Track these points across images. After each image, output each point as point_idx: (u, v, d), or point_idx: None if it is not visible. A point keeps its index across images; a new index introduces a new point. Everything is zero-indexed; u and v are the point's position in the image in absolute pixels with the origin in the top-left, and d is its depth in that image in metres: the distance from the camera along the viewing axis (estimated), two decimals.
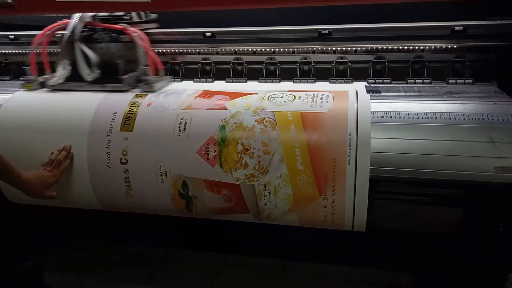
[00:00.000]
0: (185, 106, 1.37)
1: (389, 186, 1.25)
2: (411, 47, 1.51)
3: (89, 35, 1.58)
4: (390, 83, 1.51)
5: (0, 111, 1.50)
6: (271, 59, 1.65)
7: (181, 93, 1.45)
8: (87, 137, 1.39)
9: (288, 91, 1.41)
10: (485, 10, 1.47)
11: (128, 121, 1.37)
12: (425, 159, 1.19)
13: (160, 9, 1.37)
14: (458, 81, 1.46)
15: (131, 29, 1.56)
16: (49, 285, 1.82)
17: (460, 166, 1.18)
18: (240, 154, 1.26)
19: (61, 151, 1.38)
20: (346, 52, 1.57)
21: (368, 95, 1.33)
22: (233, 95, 1.40)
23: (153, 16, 1.70)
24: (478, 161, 1.17)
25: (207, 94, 1.43)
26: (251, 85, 1.63)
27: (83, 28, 1.59)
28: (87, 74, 1.53)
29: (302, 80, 1.59)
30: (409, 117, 1.24)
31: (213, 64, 1.70)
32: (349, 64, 1.57)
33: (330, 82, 1.57)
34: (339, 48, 1.58)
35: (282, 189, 1.26)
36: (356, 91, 1.35)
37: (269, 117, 1.28)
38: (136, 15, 1.60)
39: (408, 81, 1.50)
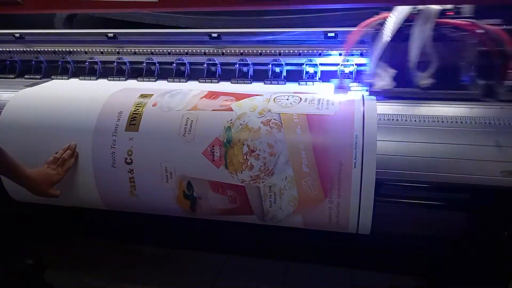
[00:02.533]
0: (190, 106, 1.37)
1: (395, 189, 1.24)
2: None
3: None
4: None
5: (5, 109, 1.50)
6: (276, 61, 1.64)
7: (187, 94, 1.45)
8: (93, 136, 1.39)
9: (294, 93, 1.41)
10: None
11: (134, 121, 1.37)
12: (431, 162, 1.19)
13: (166, 8, 1.36)
14: None
15: (483, 25, 1.27)
16: (50, 283, 1.82)
17: (466, 169, 1.18)
18: (246, 155, 1.26)
19: (66, 149, 1.38)
20: (352, 54, 1.57)
21: (374, 97, 1.33)
22: (238, 96, 1.40)
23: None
24: (484, 165, 1.17)
25: (213, 95, 1.43)
26: (257, 87, 1.63)
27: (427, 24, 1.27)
28: (422, 78, 1.29)
29: (307, 82, 1.59)
30: (415, 120, 1.24)
31: (218, 65, 1.70)
32: (354, 66, 1.57)
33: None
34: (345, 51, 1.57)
35: (287, 191, 1.26)
36: (362, 94, 1.35)
37: (275, 119, 1.28)
38: (466, 9, 1.28)
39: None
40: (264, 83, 1.64)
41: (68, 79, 1.82)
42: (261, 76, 1.66)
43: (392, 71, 1.31)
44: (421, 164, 1.19)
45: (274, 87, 1.61)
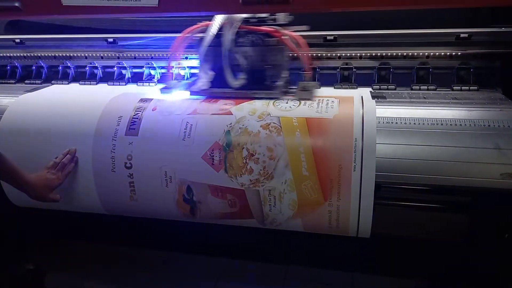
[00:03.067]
0: (190, 110, 1.37)
1: (395, 192, 1.24)
2: (416, 54, 1.52)
3: (236, 38, 1.42)
4: (395, 89, 1.51)
5: (5, 114, 1.51)
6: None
7: (186, 98, 1.45)
8: (92, 141, 1.39)
9: None
10: (490, 18, 1.47)
11: (133, 125, 1.37)
12: (430, 165, 1.19)
13: (166, 12, 1.36)
14: (463, 87, 1.46)
15: (285, 31, 1.41)
16: None
17: (466, 172, 1.17)
18: (245, 159, 1.26)
19: (66, 154, 1.38)
20: (351, 58, 1.57)
21: (374, 101, 1.33)
22: (238, 100, 1.40)
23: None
24: (484, 167, 1.17)
25: (213, 98, 1.43)
26: None
27: (231, 30, 1.41)
28: (234, 79, 1.42)
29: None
30: (414, 123, 1.24)
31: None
32: (354, 70, 1.58)
33: (335, 88, 1.57)
34: (344, 54, 1.58)
35: (287, 195, 1.26)
36: (362, 97, 1.36)
37: (274, 123, 1.28)
38: (281, 17, 1.42)
39: (413, 87, 1.50)
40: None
41: (68, 83, 1.83)
42: None
43: (211, 73, 1.46)
44: (421, 167, 1.19)
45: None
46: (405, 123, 1.25)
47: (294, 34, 1.41)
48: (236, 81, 1.41)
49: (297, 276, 1.88)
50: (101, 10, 1.37)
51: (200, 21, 1.46)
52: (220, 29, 1.41)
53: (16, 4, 1.32)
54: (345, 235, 1.31)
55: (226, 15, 1.39)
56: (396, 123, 1.25)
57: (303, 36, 1.57)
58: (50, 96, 1.60)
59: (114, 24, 1.85)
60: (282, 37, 1.40)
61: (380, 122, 1.26)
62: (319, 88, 1.50)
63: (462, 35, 1.45)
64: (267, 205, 1.29)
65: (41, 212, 1.57)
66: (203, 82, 1.45)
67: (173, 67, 1.63)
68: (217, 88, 1.44)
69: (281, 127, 1.27)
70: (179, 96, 1.48)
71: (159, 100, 1.45)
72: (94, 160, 1.39)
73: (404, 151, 1.21)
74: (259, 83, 1.43)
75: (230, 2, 1.19)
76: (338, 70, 1.59)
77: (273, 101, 1.37)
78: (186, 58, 1.72)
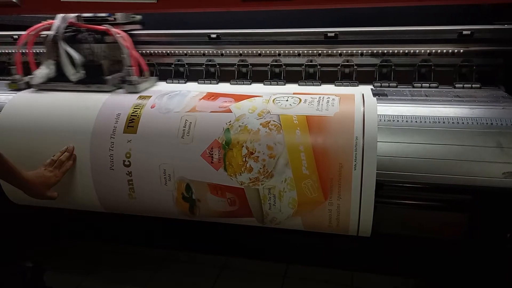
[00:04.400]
0: (189, 108, 1.36)
1: (396, 191, 1.23)
2: (417, 51, 1.50)
3: (73, 36, 1.59)
4: (396, 86, 1.49)
5: (3, 112, 1.50)
6: (276, 61, 1.63)
7: (186, 95, 1.43)
8: (90, 138, 1.38)
9: (294, 93, 1.40)
10: (493, 15, 1.45)
11: (132, 123, 1.36)
12: (432, 163, 1.18)
13: (166, 9, 1.35)
14: (465, 85, 1.44)
15: (114, 30, 1.57)
16: (49, 286, 1.81)
17: (468, 171, 1.16)
18: (245, 157, 1.25)
19: (63, 152, 1.37)
20: (352, 55, 1.55)
21: (375, 98, 1.32)
22: (238, 98, 1.39)
23: (138, 17, 1.75)
24: (486, 166, 1.15)
25: (212, 96, 1.42)
26: (256, 87, 1.62)
27: (67, 28, 1.60)
28: (72, 74, 1.55)
29: (307, 83, 1.58)
30: (416, 121, 1.22)
31: (217, 66, 1.69)
32: (355, 67, 1.56)
33: (335, 85, 1.56)
34: (345, 51, 1.56)
35: (287, 193, 1.25)
36: (363, 95, 1.34)
37: (274, 121, 1.27)
38: (120, 17, 1.63)
39: (415, 85, 1.48)
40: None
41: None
42: None
43: (52, 68, 1.59)
44: (422, 165, 1.18)
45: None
46: (406, 121, 1.23)
47: (124, 34, 1.57)
48: (74, 75, 1.55)
49: (296, 274, 1.88)
50: (100, 7, 1.35)
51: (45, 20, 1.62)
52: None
53: (14, 0, 1.31)
54: (346, 234, 1.30)
55: (64, 14, 1.57)
56: (398, 121, 1.24)
57: (307, 33, 1.57)
58: (46, 94, 1.58)
59: None
60: (116, 35, 1.56)
61: (381, 120, 1.24)
62: (154, 83, 1.64)
63: (464, 32, 1.43)
64: (267, 204, 1.28)
65: (40, 210, 1.56)
66: (40, 75, 1.57)
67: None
68: (58, 82, 1.58)
69: (281, 125, 1.26)
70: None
71: (158, 97, 1.44)
72: (92, 158, 1.38)
73: (405, 150, 1.20)
74: (95, 77, 1.56)
75: None
76: (339, 67, 1.57)
77: (273, 98, 1.36)
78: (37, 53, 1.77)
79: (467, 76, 1.48)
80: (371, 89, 1.45)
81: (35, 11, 1.48)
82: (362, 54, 1.55)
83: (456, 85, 1.45)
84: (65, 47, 1.56)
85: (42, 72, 1.58)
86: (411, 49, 1.50)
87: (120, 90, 1.55)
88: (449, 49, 1.47)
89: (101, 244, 2.11)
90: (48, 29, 1.59)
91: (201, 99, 1.41)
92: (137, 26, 1.74)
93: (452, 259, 1.40)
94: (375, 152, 1.17)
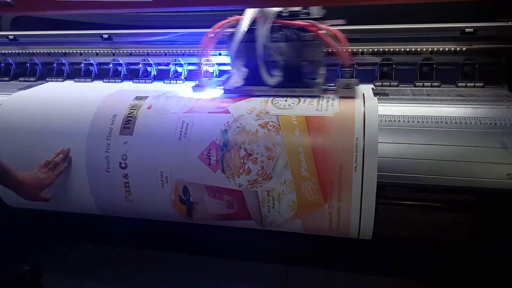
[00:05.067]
0: (186, 109, 1.33)
1: (397, 193, 1.20)
2: (419, 49, 1.47)
3: (271, 33, 1.34)
4: (397, 85, 1.47)
5: None
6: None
7: (183, 96, 1.41)
8: (86, 140, 1.35)
9: None
10: (496, 12, 1.43)
11: (128, 124, 1.33)
12: (434, 165, 1.15)
13: (162, 7, 1.32)
14: (468, 84, 1.42)
15: (323, 26, 1.33)
16: None
17: (471, 172, 1.14)
18: (243, 159, 1.22)
19: (58, 153, 1.35)
20: (353, 53, 1.53)
21: (376, 98, 1.29)
22: (235, 98, 1.36)
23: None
24: (490, 167, 1.13)
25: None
26: None
27: (265, 25, 1.33)
28: (269, 76, 1.36)
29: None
30: (418, 121, 1.20)
31: (215, 66, 1.66)
32: (355, 66, 1.53)
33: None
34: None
35: (286, 196, 1.22)
36: (363, 94, 1.31)
37: (273, 121, 1.24)
38: (315, 10, 1.35)
39: (416, 84, 1.46)
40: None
41: (63, 81, 1.79)
42: None
43: (244, 70, 1.39)
44: (424, 166, 1.16)
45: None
46: (408, 121, 1.21)
47: (332, 29, 1.33)
48: (272, 78, 1.35)
49: (298, 276, 1.85)
50: (95, 5, 1.34)
51: (231, 16, 1.39)
52: (253, 23, 1.33)
53: (8, 0, 1.29)
54: (346, 236, 1.28)
55: (259, 8, 1.32)
56: (399, 121, 1.21)
57: None
58: (44, 94, 1.57)
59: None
60: (319, 31, 1.32)
61: (382, 120, 1.22)
62: (358, 85, 1.38)
63: (467, 30, 1.41)
64: (266, 206, 1.25)
65: (38, 212, 1.54)
66: (236, 79, 1.38)
67: (204, 64, 1.57)
68: (252, 86, 1.38)
69: (279, 125, 1.23)
70: (212, 94, 1.42)
71: (154, 97, 1.41)
72: (88, 160, 1.36)
73: (407, 151, 1.17)
74: (295, 80, 1.36)
75: None
76: (339, 66, 1.54)
77: (271, 98, 1.33)
78: (220, 54, 1.65)
79: (469, 74, 1.45)
80: (372, 89, 1.42)
81: (29, 11, 1.45)
82: (362, 53, 1.52)
83: (459, 84, 1.43)
84: (261, 46, 1.33)
85: (238, 75, 1.39)
86: (413, 47, 1.48)
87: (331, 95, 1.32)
88: (452, 47, 1.45)
89: (101, 246, 2.09)
90: (234, 26, 1.36)
91: (198, 99, 1.38)
92: (340, 21, 1.39)
93: (455, 262, 1.37)
94: (376, 153, 1.15)
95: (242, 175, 1.23)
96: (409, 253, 1.41)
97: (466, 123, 1.17)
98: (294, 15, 1.35)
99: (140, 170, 1.31)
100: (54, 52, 1.81)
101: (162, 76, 1.71)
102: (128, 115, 1.35)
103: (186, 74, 1.71)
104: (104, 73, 1.77)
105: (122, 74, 1.74)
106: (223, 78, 1.48)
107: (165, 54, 1.70)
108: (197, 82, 1.48)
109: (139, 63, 1.72)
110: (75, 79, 1.78)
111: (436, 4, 1.41)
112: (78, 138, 1.36)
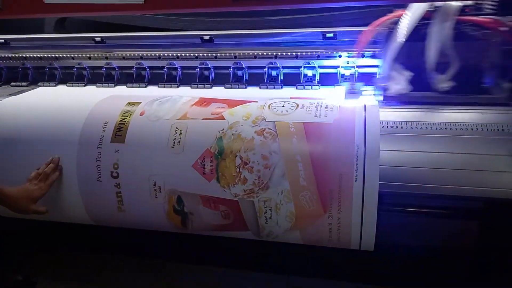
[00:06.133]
0: (180, 115, 1.28)
1: (400, 203, 1.15)
2: None
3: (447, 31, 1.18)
4: None
5: None
6: (272, 64, 1.55)
7: (177, 101, 1.36)
8: (77, 149, 1.31)
9: (291, 98, 1.32)
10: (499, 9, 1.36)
11: (120, 131, 1.29)
12: (439, 173, 1.10)
13: (153, 10, 1.28)
14: None
15: (507, 22, 1.17)
16: None
17: (478, 181, 1.08)
18: (239, 168, 1.17)
19: (49, 163, 1.30)
20: (363, 56, 1.47)
21: (377, 103, 1.24)
22: (231, 103, 1.31)
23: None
24: (498, 176, 1.08)
25: (204, 102, 1.34)
26: (252, 91, 1.54)
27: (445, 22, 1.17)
28: (441, 81, 1.20)
29: (305, 86, 1.49)
30: (421, 128, 1.15)
31: (211, 69, 1.61)
32: (355, 69, 1.47)
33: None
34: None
35: (283, 206, 1.17)
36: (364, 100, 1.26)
37: (269, 128, 1.19)
38: (488, 5, 1.19)
39: None
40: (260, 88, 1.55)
41: (55, 85, 1.74)
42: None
43: (408, 74, 1.22)
44: (429, 176, 1.10)
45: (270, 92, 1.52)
46: (411, 127, 1.15)
47: None
48: (444, 83, 1.19)
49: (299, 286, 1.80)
50: (85, 8, 1.29)
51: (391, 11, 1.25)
52: (423, 20, 1.18)
53: None
54: (347, 247, 1.22)
55: (429, 3, 1.16)
56: (402, 127, 1.16)
57: (304, 33, 1.48)
58: (34, 100, 1.52)
59: None
60: (501, 28, 1.14)
61: (384, 127, 1.16)
62: None
63: None
64: (263, 217, 1.20)
65: (30, 221, 1.49)
66: (401, 84, 1.22)
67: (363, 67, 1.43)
68: (417, 91, 1.22)
69: (276, 133, 1.18)
70: (366, 101, 1.25)
71: (147, 103, 1.36)
72: (79, 169, 1.31)
73: (411, 159, 1.12)
74: (471, 85, 1.20)
75: None
76: (339, 69, 1.49)
77: (269, 103, 1.28)
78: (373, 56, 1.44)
79: None
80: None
81: (17, 14, 1.41)
82: (362, 55, 1.46)
83: None
84: (438, 46, 1.17)
85: (403, 80, 1.23)
86: None
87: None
88: None
89: (96, 254, 2.04)
90: (396, 22, 1.22)
91: (192, 105, 1.33)
92: None
93: (461, 273, 1.31)
94: (377, 162, 1.09)
95: (238, 185, 1.18)
96: (412, 265, 1.36)
97: (472, 129, 1.11)
98: (472, 10, 1.18)
99: (132, 179, 1.27)
100: (46, 56, 1.76)
101: (156, 80, 1.65)
102: (120, 122, 1.31)
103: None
104: (97, 77, 1.71)
105: (115, 78, 1.69)
106: (380, 83, 1.32)
107: (159, 58, 1.64)
108: (349, 87, 1.37)
109: (133, 67, 1.67)
110: (67, 84, 1.73)
111: None
112: (68, 146, 1.32)
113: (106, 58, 1.70)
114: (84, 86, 1.71)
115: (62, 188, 1.35)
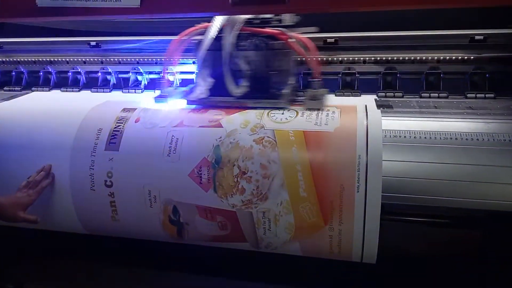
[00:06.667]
0: (176, 122, 1.25)
1: (403, 216, 1.11)
2: (425, 58, 1.39)
3: (237, 42, 1.29)
4: (402, 96, 1.38)
5: None
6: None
7: (173, 108, 1.32)
8: (70, 156, 1.27)
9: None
10: (508, 18, 1.34)
11: (114, 139, 1.25)
12: (444, 185, 1.06)
13: (148, 13, 1.24)
14: (478, 95, 1.33)
15: (292, 34, 1.29)
16: None
17: (484, 193, 1.05)
18: (237, 178, 1.14)
19: (40, 171, 1.26)
20: (354, 62, 1.45)
21: (379, 110, 1.20)
22: (229, 110, 1.27)
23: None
24: (504, 188, 1.04)
25: (201, 108, 1.31)
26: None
27: (232, 32, 1.28)
28: (235, 87, 1.28)
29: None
30: (425, 137, 1.11)
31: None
32: (357, 75, 1.45)
33: (336, 95, 1.45)
34: (346, 58, 1.45)
35: (283, 217, 1.13)
36: (366, 106, 1.22)
37: (268, 137, 1.16)
38: (287, 18, 1.30)
39: (422, 94, 1.37)
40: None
41: (49, 90, 1.70)
42: None
43: (210, 80, 1.33)
44: (433, 187, 1.07)
45: None
46: (414, 137, 1.11)
47: (301, 37, 1.29)
48: (238, 89, 1.28)
49: None
50: (79, 12, 1.26)
51: (199, 23, 1.34)
52: (221, 31, 1.29)
53: None
54: (348, 260, 1.19)
55: (227, 16, 1.27)
56: (405, 137, 1.12)
57: None
58: (26, 106, 1.48)
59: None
60: (289, 39, 1.27)
61: (387, 136, 1.13)
62: (327, 94, 1.32)
63: (476, 37, 1.32)
64: (261, 228, 1.16)
65: (21, 229, 1.45)
66: (201, 90, 1.32)
67: (167, 73, 1.47)
68: (217, 96, 1.31)
69: (276, 141, 1.15)
70: (174, 105, 1.36)
71: (142, 110, 1.33)
72: (72, 177, 1.28)
73: (414, 169, 1.08)
74: (263, 91, 1.29)
75: (217, 2, 1.06)
76: (340, 75, 1.46)
77: (267, 111, 1.25)
78: (183, 63, 1.58)
79: (479, 84, 1.37)
80: (375, 100, 1.33)
81: (10, 18, 1.38)
82: (364, 61, 1.45)
83: (468, 95, 1.34)
84: (228, 55, 1.28)
85: (201, 86, 1.32)
86: (418, 55, 1.39)
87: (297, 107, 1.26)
88: (460, 55, 1.36)
89: (86, 262, 1.99)
90: (202, 33, 1.32)
91: (189, 112, 1.30)
92: (313, 29, 1.38)
93: (464, 286, 1.28)
94: (380, 172, 1.06)
95: (236, 195, 1.15)
96: (416, 278, 1.32)
97: (478, 139, 1.08)
98: (265, 22, 1.29)
99: (127, 188, 1.23)
100: (40, 60, 1.72)
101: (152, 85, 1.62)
102: (115, 129, 1.27)
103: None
104: (92, 82, 1.68)
105: (111, 83, 1.65)
106: (187, 88, 1.41)
107: (156, 63, 1.61)
108: (159, 92, 1.41)
109: (129, 72, 1.63)
110: (62, 89, 1.69)
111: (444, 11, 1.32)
112: (61, 153, 1.28)
113: (102, 62, 1.66)
114: (78, 91, 1.67)
115: (54, 197, 1.31)
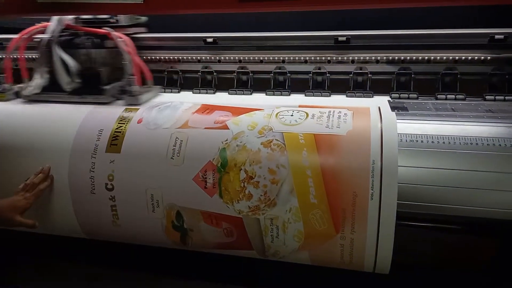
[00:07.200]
0: (180, 124, 1.20)
1: (419, 225, 1.05)
2: (441, 58, 1.32)
3: (69, 40, 1.41)
4: (417, 98, 1.32)
5: None
6: (280, 69, 1.46)
7: (177, 108, 1.27)
8: (69, 158, 1.23)
9: (300, 106, 1.23)
10: None
11: (115, 140, 1.20)
12: (463, 193, 1.00)
13: (152, 11, 1.20)
14: (497, 97, 1.26)
15: (115, 33, 1.41)
16: None
17: (504, 203, 0.98)
18: (243, 182, 1.08)
19: (38, 173, 1.21)
20: (366, 62, 1.39)
21: (394, 113, 1.14)
22: (236, 111, 1.22)
23: (143, 19, 1.55)
24: None
25: (207, 109, 1.25)
26: (257, 98, 1.45)
27: (63, 32, 1.43)
28: (66, 83, 1.37)
29: (315, 93, 1.40)
30: (443, 142, 1.04)
31: (214, 73, 1.52)
32: (369, 75, 1.39)
33: (347, 96, 1.39)
34: (357, 58, 1.39)
35: (292, 225, 1.08)
36: (379, 108, 1.17)
37: (277, 139, 1.10)
38: (123, 18, 1.45)
39: (438, 96, 1.31)
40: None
41: None
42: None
43: (46, 76, 1.41)
44: (451, 195, 1.01)
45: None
46: (432, 141, 1.05)
47: (126, 38, 1.41)
48: (69, 85, 1.37)
49: None
50: (80, 8, 1.21)
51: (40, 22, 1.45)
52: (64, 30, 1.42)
53: None
54: (360, 270, 1.13)
55: (60, 16, 1.40)
56: (422, 141, 1.06)
57: (315, 37, 1.40)
58: (22, 106, 1.42)
59: None
60: (117, 39, 1.39)
61: (402, 140, 1.06)
62: (161, 93, 1.48)
63: (496, 37, 1.25)
64: (269, 236, 1.11)
65: (20, 232, 1.40)
66: (35, 85, 1.39)
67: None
68: (51, 92, 1.39)
69: (285, 144, 1.09)
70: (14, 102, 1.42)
71: (146, 110, 1.28)
72: (71, 180, 1.23)
73: (431, 176, 1.02)
74: (91, 87, 1.38)
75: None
76: (351, 75, 1.40)
77: (276, 112, 1.19)
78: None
79: (498, 86, 1.31)
80: (388, 101, 1.27)
81: (11, 13, 1.33)
82: (377, 61, 1.39)
83: (487, 97, 1.27)
84: (59, 53, 1.38)
85: (36, 81, 1.40)
86: (434, 55, 1.32)
87: (120, 101, 1.37)
88: (478, 55, 1.29)
89: (87, 267, 1.94)
90: (43, 32, 1.42)
91: (194, 112, 1.24)
92: (142, 29, 1.56)
93: None
94: (395, 179, 1.00)
95: (242, 201, 1.10)
96: None
97: (500, 145, 1.01)
98: (103, 22, 1.43)
99: (128, 192, 1.19)
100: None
101: (156, 84, 1.56)
102: (116, 130, 1.22)
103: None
104: None
105: None
106: (24, 85, 1.45)
107: (159, 61, 1.55)
108: None
109: None
110: None
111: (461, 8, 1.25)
112: (60, 155, 1.24)
113: None
114: None
115: (54, 200, 1.27)
